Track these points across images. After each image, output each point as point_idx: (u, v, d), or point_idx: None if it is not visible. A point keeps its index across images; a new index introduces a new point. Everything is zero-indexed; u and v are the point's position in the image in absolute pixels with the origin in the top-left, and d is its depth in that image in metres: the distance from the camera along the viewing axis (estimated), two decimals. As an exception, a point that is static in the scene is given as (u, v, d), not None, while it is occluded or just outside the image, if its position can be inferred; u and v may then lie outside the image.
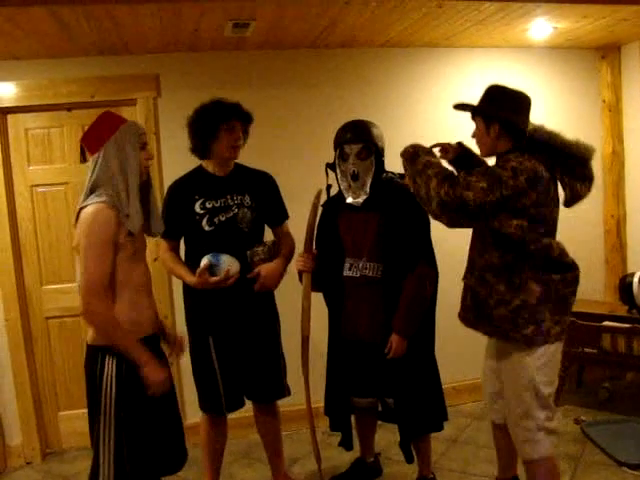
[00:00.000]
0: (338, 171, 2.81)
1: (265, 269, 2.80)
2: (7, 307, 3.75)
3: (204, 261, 2.69)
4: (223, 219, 2.81)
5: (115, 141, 2.19)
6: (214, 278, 2.67)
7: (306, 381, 2.90)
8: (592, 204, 4.42)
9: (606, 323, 3.96)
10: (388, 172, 2.83)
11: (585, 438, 3.61)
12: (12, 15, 2.81)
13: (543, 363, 2.34)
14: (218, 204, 2.82)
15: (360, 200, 2.74)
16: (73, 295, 3.81)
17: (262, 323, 2.94)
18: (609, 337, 3.87)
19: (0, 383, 3.76)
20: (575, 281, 2.39)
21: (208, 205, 2.81)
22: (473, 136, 2.46)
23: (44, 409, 3.92)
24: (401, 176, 2.82)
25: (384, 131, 2.87)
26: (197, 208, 2.80)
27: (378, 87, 4.11)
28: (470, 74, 4.25)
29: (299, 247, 2.92)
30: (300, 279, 2.89)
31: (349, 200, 2.77)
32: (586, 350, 3.95)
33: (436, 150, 2.63)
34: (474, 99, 4.21)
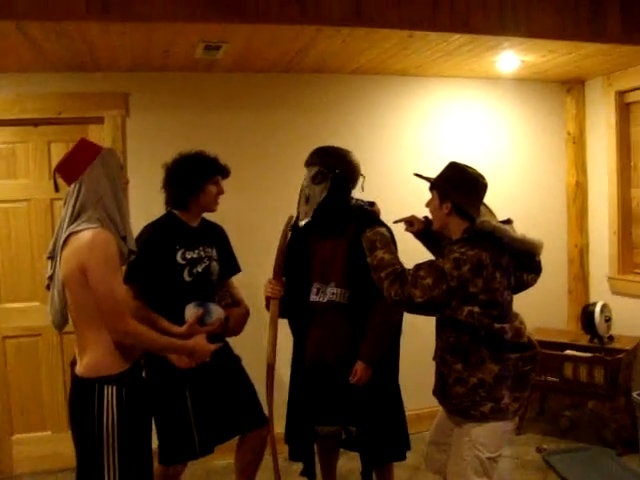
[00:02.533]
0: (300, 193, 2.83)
1: (234, 314, 2.86)
2: (-37, 325, 3.65)
3: (193, 310, 2.67)
4: (200, 270, 2.81)
5: (103, 164, 2.19)
6: (206, 327, 2.65)
7: (270, 409, 2.86)
8: (556, 234, 4.51)
9: (568, 352, 4.01)
10: (358, 200, 2.84)
11: (547, 467, 3.63)
12: (-21, 29, 2.78)
13: (491, 430, 2.35)
14: (196, 255, 2.81)
15: (302, 223, 2.77)
16: (32, 314, 3.77)
17: (230, 362, 2.92)
18: (571, 366, 3.91)
19: (-48, 404, 3.64)
20: (534, 358, 2.42)
21: (188, 256, 2.79)
22: (427, 205, 2.51)
23: (-4, 432, 3.80)
24: (370, 204, 2.84)
25: (354, 157, 2.86)
26: (179, 258, 2.77)
27: (349, 113, 4.14)
28: (439, 103, 4.33)
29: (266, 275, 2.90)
30: (267, 306, 2.87)
31: (299, 223, 2.79)
32: (548, 378, 3.99)
33: (401, 224, 2.69)
34: (443, 128, 4.31)
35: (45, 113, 3.67)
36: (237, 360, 2.96)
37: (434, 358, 2.54)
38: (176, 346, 2.39)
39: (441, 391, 2.49)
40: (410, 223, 2.70)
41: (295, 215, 2.86)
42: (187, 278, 2.77)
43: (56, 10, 2.65)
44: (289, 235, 2.83)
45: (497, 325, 2.29)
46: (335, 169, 2.74)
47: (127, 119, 3.78)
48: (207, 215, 2.95)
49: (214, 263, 2.89)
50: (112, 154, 2.31)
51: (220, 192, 2.86)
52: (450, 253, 2.28)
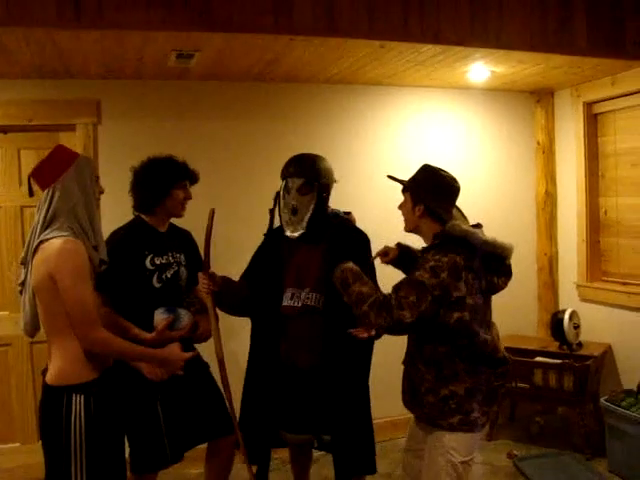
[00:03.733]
0: (281, 203, 2.81)
1: (203, 320, 2.83)
2: None
3: (163, 315, 2.66)
4: (169, 276, 2.80)
5: (76, 173, 2.18)
6: (176, 332, 2.65)
7: (230, 404, 2.77)
8: (526, 242, 4.58)
9: (538, 359, 4.07)
10: (334, 209, 2.85)
11: (518, 472, 3.67)
12: (-53, 34, 2.74)
13: (461, 437, 2.37)
14: (165, 260, 2.80)
15: (296, 234, 2.75)
16: (1, 324, 3.71)
17: (200, 369, 2.89)
18: (541, 372, 3.96)
19: None
20: (505, 374, 2.45)
21: (157, 261, 2.77)
22: (400, 208, 2.53)
23: (-38, 443, 3.71)
24: (346, 213, 2.89)
25: (327, 166, 2.88)
26: (148, 264, 2.74)
27: (321, 122, 4.16)
28: (411, 112, 4.37)
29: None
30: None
31: (287, 233, 2.77)
32: (519, 385, 4.04)
33: (376, 259, 2.69)
34: (414, 137, 4.35)
35: (15, 120, 3.63)
36: (206, 367, 2.95)
37: (404, 362, 2.55)
38: (149, 355, 2.38)
39: (411, 398, 2.50)
40: (384, 254, 2.69)
41: (214, 209, 2.69)
42: (156, 284, 2.75)
43: (27, 16, 2.64)
44: (213, 228, 2.69)
45: (482, 336, 2.31)
46: (320, 178, 2.75)
47: (99, 126, 3.75)
48: (179, 221, 2.93)
49: (182, 269, 2.87)
50: (87, 162, 2.29)
51: (187, 197, 2.84)
52: (425, 262, 2.29)
